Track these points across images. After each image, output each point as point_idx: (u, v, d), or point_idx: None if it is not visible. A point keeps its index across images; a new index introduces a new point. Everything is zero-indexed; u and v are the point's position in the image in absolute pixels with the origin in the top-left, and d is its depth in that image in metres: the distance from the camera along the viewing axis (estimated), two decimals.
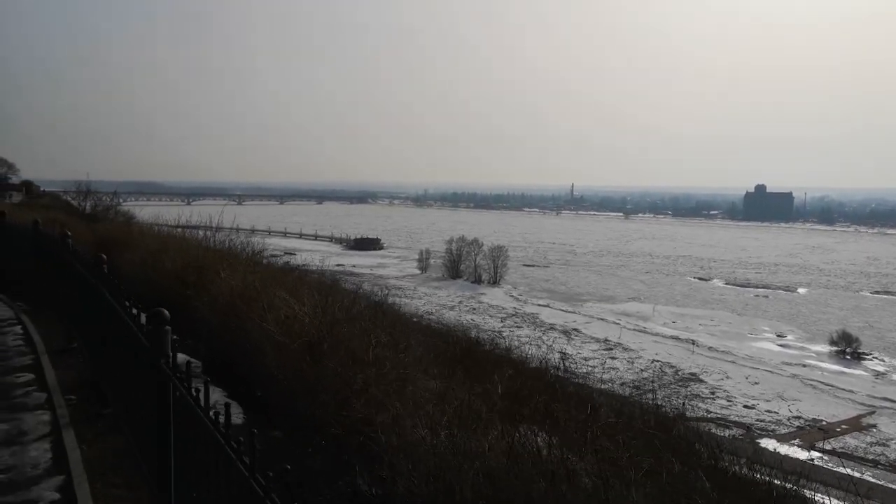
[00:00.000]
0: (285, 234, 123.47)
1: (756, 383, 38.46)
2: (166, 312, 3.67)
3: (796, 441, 28.34)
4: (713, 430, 8.47)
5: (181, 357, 3.81)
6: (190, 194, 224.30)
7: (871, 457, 27.22)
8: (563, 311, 60.01)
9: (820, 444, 27.25)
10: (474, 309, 58.59)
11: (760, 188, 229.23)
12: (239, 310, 6.76)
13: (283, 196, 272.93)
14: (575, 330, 51.46)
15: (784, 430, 30.27)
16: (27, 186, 54.36)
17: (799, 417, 32.25)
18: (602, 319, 56.28)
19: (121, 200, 48.34)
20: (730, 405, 34.17)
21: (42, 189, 58.16)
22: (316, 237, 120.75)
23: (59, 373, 6.86)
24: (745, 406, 34.21)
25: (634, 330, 52.49)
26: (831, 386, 38.51)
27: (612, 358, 41.55)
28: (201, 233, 13.12)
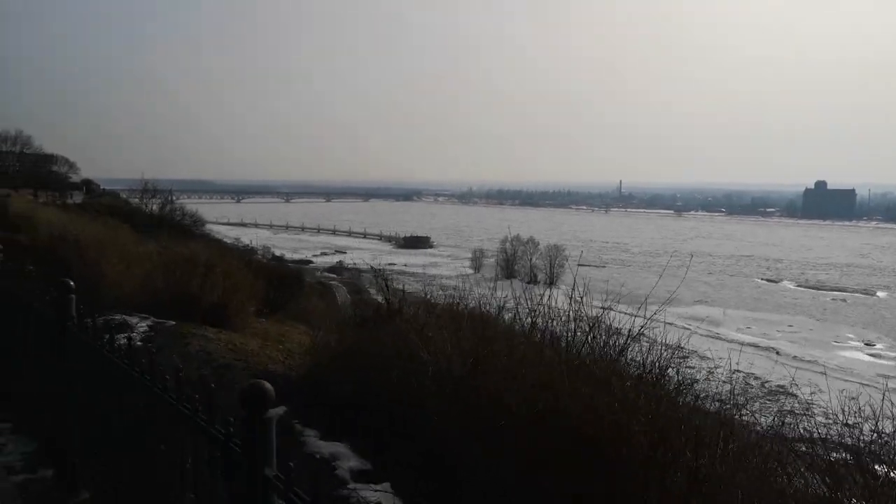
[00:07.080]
0: (334, 232, 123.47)
1: (853, 398, 35.07)
2: None
3: None
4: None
5: None
6: (240, 192, 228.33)
7: None
8: (625, 314, 57.30)
9: None
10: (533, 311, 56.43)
11: (821, 184, 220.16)
12: None
13: (330, 193, 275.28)
14: (642, 335, 48.80)
15: None
16: (87, 185, 54.51)
17: None
18: (670, 324, 52.93)
19: (175, 199, 47.93)
20: (830, 423, 31.22)
21: (102, 188, 58.38)
22: (365, 235, 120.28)
23: None
24: (846, 424, 31.15)
25: (707, 336, 49.31)
26: None
27: (690, 367, 38.88)
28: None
